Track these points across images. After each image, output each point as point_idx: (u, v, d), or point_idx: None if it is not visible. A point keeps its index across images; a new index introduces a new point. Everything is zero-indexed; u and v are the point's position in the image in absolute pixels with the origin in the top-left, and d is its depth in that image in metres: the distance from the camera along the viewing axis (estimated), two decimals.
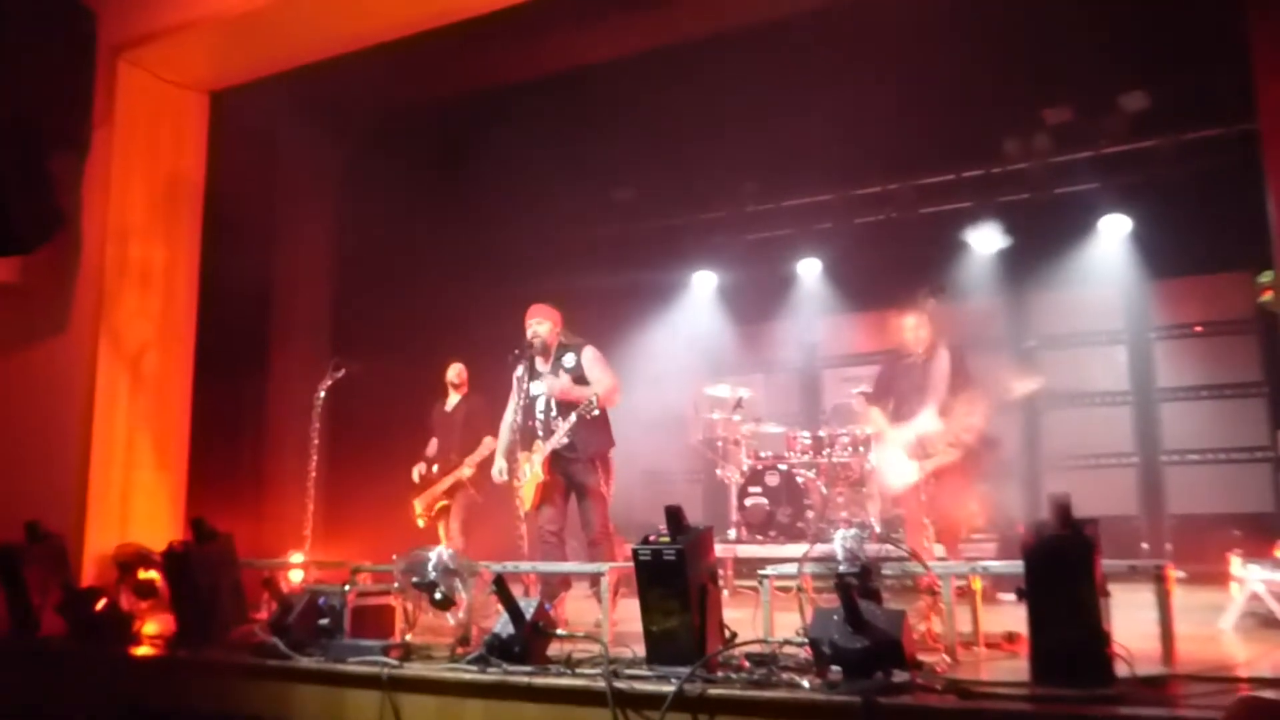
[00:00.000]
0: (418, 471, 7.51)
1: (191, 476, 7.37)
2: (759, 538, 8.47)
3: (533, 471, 6.12)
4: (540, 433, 6.18)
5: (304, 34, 6.97)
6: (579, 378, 6.16)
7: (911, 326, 6.76)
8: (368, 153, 8.77)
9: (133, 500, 7.00)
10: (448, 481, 7.35)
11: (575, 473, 6.14)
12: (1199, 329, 9.58)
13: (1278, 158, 5.15)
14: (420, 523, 7.43)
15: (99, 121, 7.06)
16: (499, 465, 6.39)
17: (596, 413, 6.00)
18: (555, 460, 6.10)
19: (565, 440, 6.05)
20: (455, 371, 7.67)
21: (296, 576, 6.43)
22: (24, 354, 7.17)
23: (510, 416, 6.37)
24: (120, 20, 7.10)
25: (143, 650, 5.32)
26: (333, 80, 7.51)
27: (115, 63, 7.13)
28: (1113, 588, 3.55)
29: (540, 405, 6.22)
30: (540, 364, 6.31)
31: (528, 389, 6.27)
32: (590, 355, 6.23)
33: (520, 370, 6.27)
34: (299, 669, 4.58)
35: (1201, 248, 8.72)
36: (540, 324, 6.28)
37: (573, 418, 5.96)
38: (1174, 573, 4.15)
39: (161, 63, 7.30)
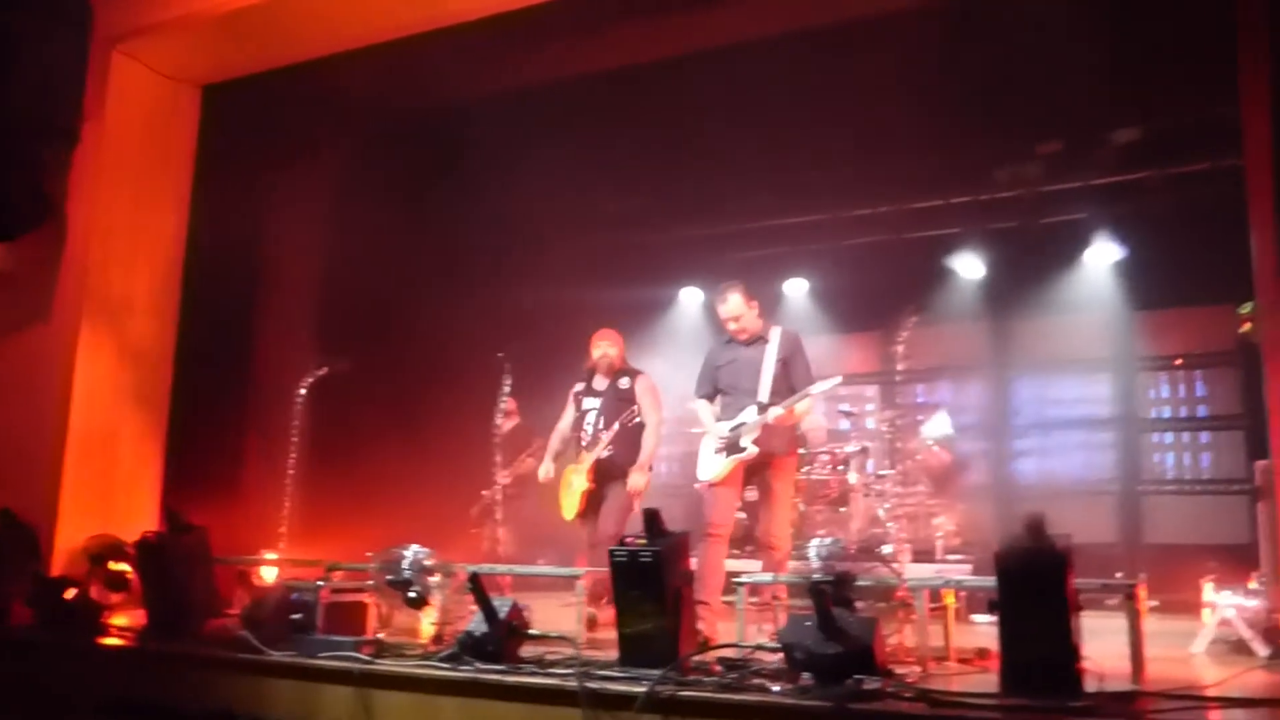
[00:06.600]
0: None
1: (169, 471, 7.34)
2: (736, 552, 8.44)
3: (579, 481, 6.49)
4: (585, 445, 6.57)
5: (300, 31, 6.99)
6: (629, 400, 6.57)
7: (734, 305, 5.83)
8: (362, 153, 8.76)
9: (109, 492, 6.96)
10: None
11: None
12: (1179, 361, 9.63)
13: (1260, 189, 5.17)
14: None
15: (90, 112, 7.03)
16: (545, 467, 6.81)
17: (639, 420, 6.44)
18: (598, 469, 6.46)
19: (609, 451, 6.43)
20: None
21: (270, 573, 6.40)
22: (5, 341, 7.14)
23: (562, 425, 6.86)
24: (117, 12, 7.09)
25: (112, 641, 5.28)
26: (329, 79, 7.51)
27: (109, 54, 7.13)
28: (1086, 614, 3.57)
29: (590, 419, 6.61)
30: (599, 381, 6.72)
31: (582, 403, 6.71)
32: (645, 384, 6.66)
33: (579, 386, 6.79)
34: (271, 663, 4.55)
35: (1187, 280, 8.72)
36: (611, 346, 6.74)
37: (615, 427, 6.38)
38: (1145, 597, 4.17)
39: (155, 55, 7.31)
